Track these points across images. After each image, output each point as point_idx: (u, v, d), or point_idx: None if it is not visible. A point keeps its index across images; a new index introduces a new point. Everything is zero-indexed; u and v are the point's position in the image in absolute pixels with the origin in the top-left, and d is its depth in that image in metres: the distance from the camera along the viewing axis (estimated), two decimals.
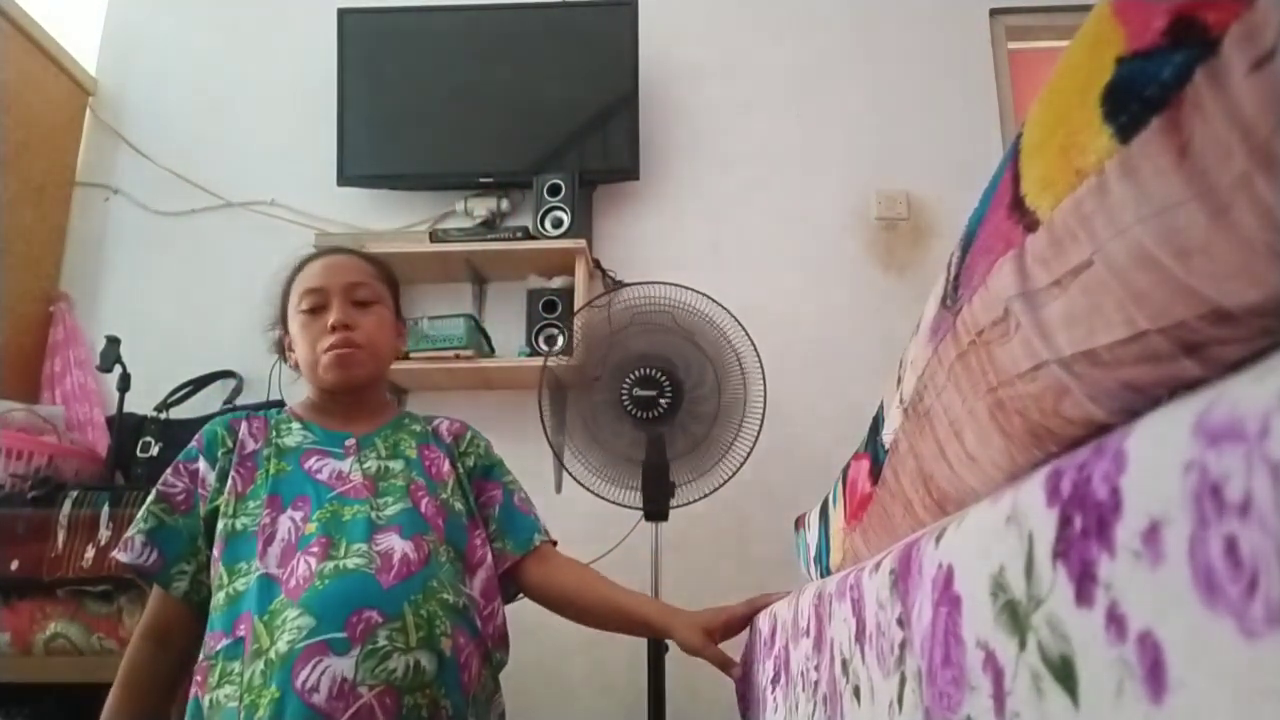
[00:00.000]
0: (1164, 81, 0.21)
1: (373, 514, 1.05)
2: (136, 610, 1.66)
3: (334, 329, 1.13)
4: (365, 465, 1.11)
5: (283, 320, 1.22)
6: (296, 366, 1.20)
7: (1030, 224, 0.29)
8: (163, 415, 2.20)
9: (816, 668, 0.65)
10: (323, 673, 0.91)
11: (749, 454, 1.70)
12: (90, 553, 1.69)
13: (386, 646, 0.94)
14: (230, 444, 1.12)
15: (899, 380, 0.49)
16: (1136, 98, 0.23)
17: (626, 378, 1.65)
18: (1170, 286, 0.23)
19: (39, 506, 1.77)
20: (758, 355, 1.71)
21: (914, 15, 2.52)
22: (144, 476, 2.02)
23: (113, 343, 2.13)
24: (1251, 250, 0.20)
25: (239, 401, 2.26)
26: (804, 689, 0.71)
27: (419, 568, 1.02)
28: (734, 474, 1.71)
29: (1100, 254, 0.25)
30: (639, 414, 1.64)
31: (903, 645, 0.41)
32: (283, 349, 1.23)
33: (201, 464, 1.11)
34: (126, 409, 2.10)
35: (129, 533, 1.08)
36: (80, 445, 2.13)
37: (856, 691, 0.51)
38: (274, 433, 1.14)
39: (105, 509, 1.74)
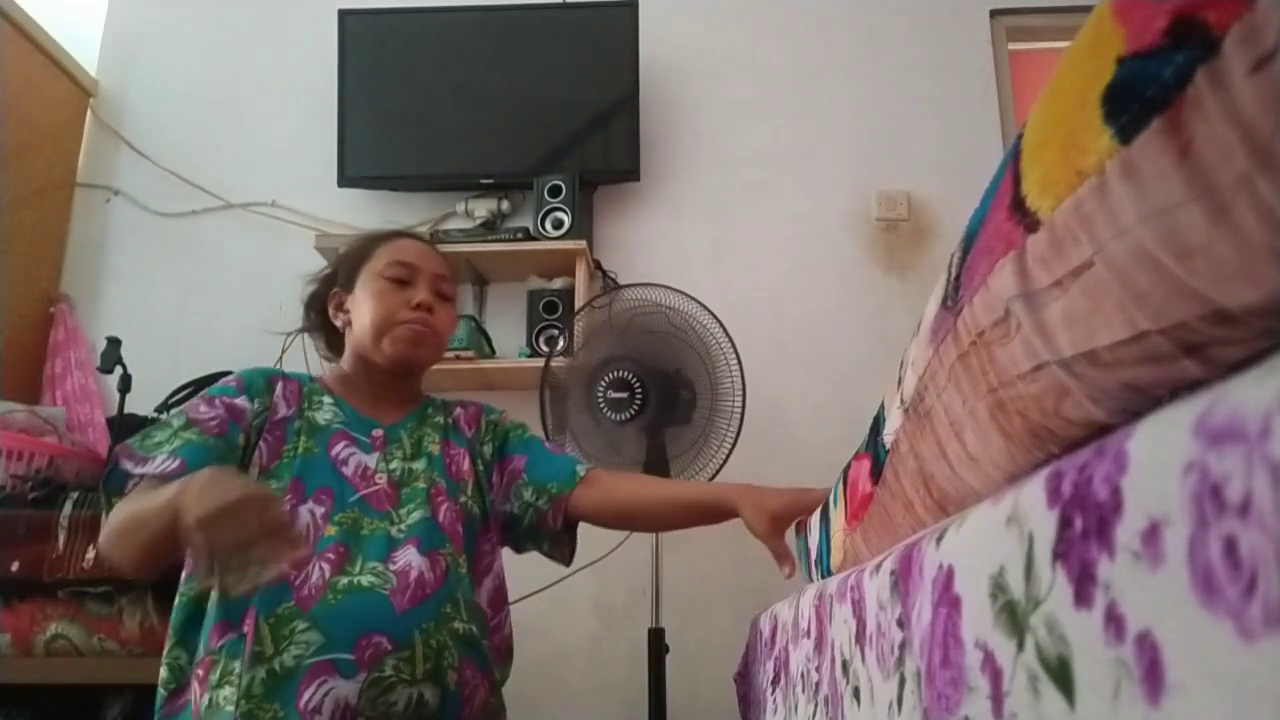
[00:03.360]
0: (1165, 82, 0.21)
1: (392, 529, 1.03)
2: (138, 611, 1.66)
3: (419, 307, 1.13)
4: (390, 465, 1.09)
5: (346, 280, 1.18)
6: (347, 325, 1.17)
7: (1031, 224, 0.29)
8: (164, 416, 2.20)
9: (817, 669, 0.65)
10: (326, 694, 0.90)
11: (728, 456, 1.69)
12: (91, 554, 1.69)
13: (392, 677, 0.93)
14: (267, 400, 1.09)
15: (899, 381, 0.49)
16: (1137, 98, 0.22)
17: (602, 379, 1.66)
18: (1171, 287, 0.23)
19: (40, 507, 1.76)
20: (737, 355, 1.70)
21: (914, 15, 2.51)
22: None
23: (113, 344, 2.12)
24: (1252, 251, 0.20)
25: None
26: (804, 690, 0.71)
27: (434, 588, 1.00)
28: (714, 476, 1.70)
29: (1101, 254, 0.25)
30: (613, 415, 1.65)
31: (902, 646, 0.41)
32: (326, 307, 1.20)
33: (242, 400, 1.07)
34: (127, 410, 2.09)
35: (142, 454, 1.00)
36: (81, 446, 2.13)
37: (856, 692, 0.51)
38: (306, 402, 1.11)
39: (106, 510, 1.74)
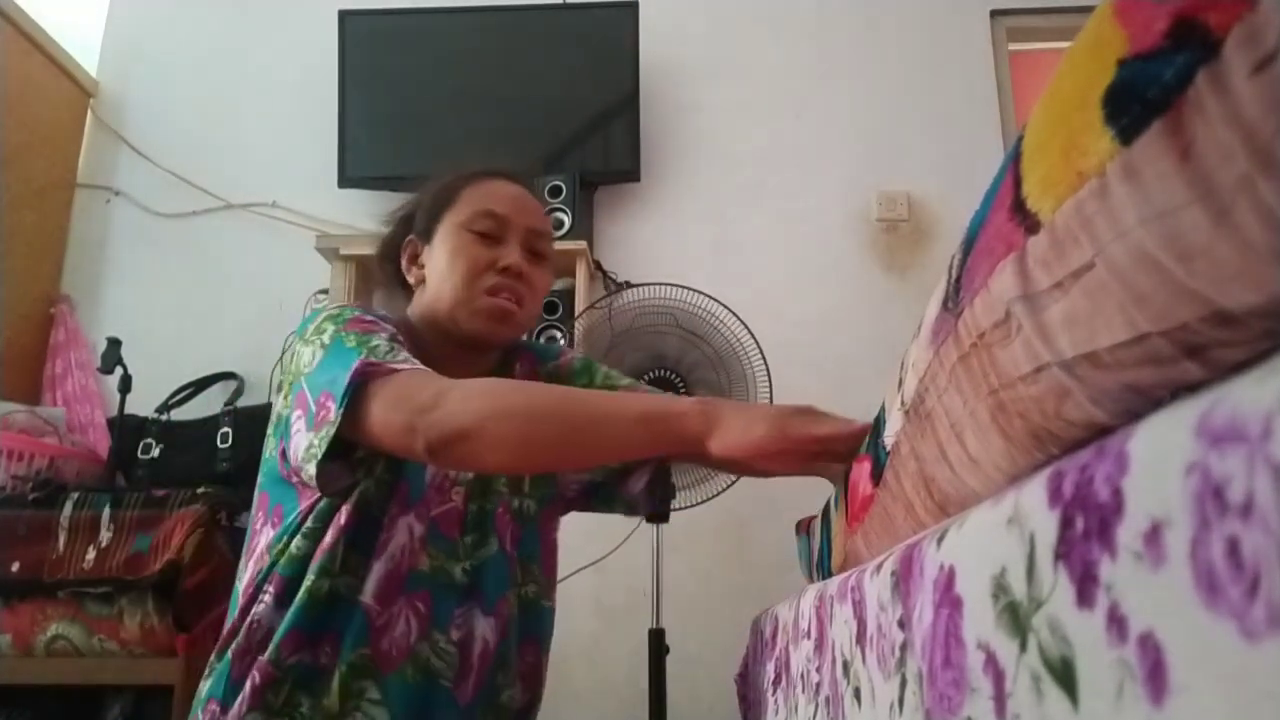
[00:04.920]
0: (1166, 83, 0.21)
1: (456, 569, 0.93)
2: (138, 612, 1.66)
3: (507, 271, 0.96)
4: (467, 474, 0.96)
5: (424, 227, 1.01)
6: (420, 282, 1.00)
7: (1032, 226, 0.29)
8: (164, 417, 2.20)
9: (818, 669, 0.65)
10: None
11: None
12: (91, 554, 1.69)
13: None
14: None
15: (900, 382, 0.49)
16: (1138, 100, 0.23)
17: (642, 379, 1.65)
18: (1172, 288, 0.23)
19: (40, 508, 1.76)
20: (762, 354, 1.71)
21: (914, 16, 2.52)
22: (145, 478, 2.02)
23: (114, 344, 2.12)
24: (1253, 252, 0.20)
25: (240, 404, 2.25)
26: (804, 691, 0.71)
27: (491, 657, 0.94)
28: (738, 479, 1.70)
29: (1102, 256, 0.25)
30: None
31: (904, 647, 0.41)
32: (399, 257, 1.03)
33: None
34: (127, 410, 2.09)
35: (385, 361, 0.81)
36: (81, 447, 2.13)
37: (857, 693, 0.51)
38: None
39: (106, 510, 1.74)
